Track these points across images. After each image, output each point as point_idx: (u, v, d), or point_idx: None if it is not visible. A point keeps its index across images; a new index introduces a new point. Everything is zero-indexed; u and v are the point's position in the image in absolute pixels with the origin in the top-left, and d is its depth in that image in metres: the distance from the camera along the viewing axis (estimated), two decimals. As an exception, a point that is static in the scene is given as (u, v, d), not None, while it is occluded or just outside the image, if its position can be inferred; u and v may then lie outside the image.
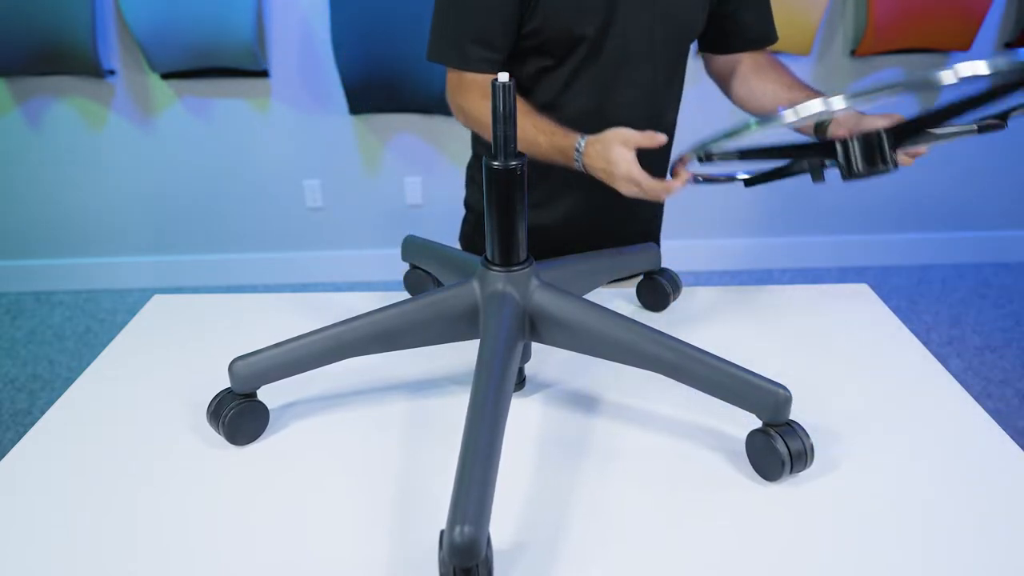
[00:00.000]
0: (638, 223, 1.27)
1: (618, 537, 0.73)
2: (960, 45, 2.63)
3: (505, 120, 0.80)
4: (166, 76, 2.69)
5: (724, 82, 1.24)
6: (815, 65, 2.77)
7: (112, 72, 2.69)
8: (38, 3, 2.43)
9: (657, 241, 1.34)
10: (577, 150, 0.99)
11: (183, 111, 2.78)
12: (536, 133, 1.03)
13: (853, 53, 2.71)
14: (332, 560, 0.71)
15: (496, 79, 0.79)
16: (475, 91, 1.08)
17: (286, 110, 2.78)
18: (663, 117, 1.19)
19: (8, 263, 3.03)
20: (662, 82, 1.15)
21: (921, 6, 2.52)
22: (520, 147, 1.07)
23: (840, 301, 1.17)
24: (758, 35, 1.20)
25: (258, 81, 2.74)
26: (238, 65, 2.61)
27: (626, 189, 0.96)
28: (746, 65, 1.20)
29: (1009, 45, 2.74)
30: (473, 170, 1.30)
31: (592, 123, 1.03)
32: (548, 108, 1.10)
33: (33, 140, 2.81)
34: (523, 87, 1.13)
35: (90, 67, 2.57)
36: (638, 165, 0.94)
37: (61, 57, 2.54)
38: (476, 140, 1.28)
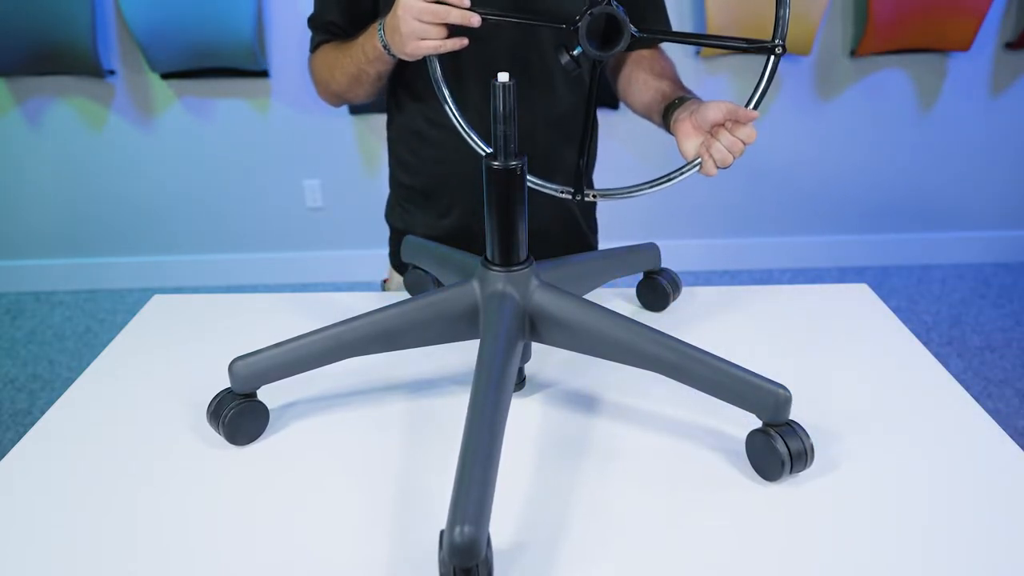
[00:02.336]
0: (561, 225, 1.25)
1: (618, 537, 0.73)
2: (960, 45, 2.64)
3: (505, 120, 0.80)
4: (166, 76, 2.70)
5: (612, 75, 1.23)
6: (815, 65, 2.77)
7: (112, 72, 2.70)
8: (38, 3, 2.43)
9: (595, 246, 1.34)
10: (379, 29, 1.01)
11: (183, 111, 2.78)
12: (349, 61, 1.09)
13: (853, 53, 2.71)
14: (332, 560, 0.71)
15: (496, 79, 0.79)
16: (316, 55, 1.20)
17: (286, 110, 2.79)
18: (554, 109, 1.15)
19: (8, 263, 3.03)
20: (556, 82, 1.13)
21: (921, 6, 2.52)
22: (350, 85, 1.14)
23: (840, 301, 1.17)
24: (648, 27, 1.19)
25: (258, 81, 2.74)
26: (238, 65, 2.61)
27: (407, 20, 0.92)
28: (631, 57, 1.19)
29: (1010, 45, 2.74)
30: (392, 142, 1.31)
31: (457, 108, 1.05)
32: (413, 94, 1.16)
33: (33, 140, 2.81)
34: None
35: (90, 67, 2.58)
36: None
37: (61, 57, 2.54)
38: (392, 155, 1.31)
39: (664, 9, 1.20)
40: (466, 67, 1.10)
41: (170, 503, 0.78)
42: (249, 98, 2.77)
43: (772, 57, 0.85)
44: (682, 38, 0.89)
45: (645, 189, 0.94)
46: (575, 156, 1.17)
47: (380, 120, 2.83)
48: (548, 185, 0.97)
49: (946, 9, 2.53)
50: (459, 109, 0.94)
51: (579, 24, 0.84)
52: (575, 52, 0.86)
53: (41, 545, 0.73)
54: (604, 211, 1.36)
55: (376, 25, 1.02)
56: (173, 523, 0.75)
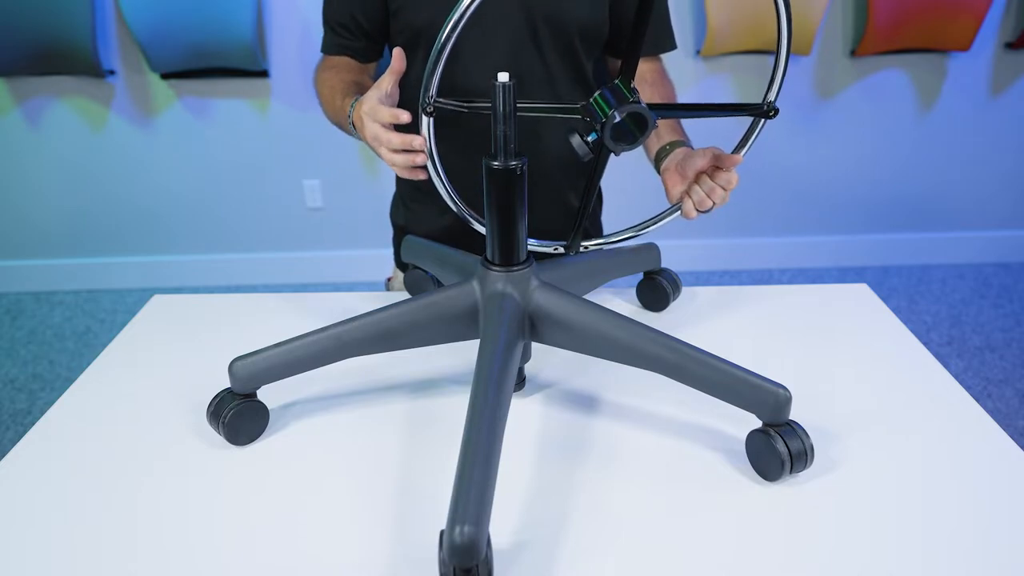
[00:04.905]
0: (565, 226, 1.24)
1: (618, 537, 0.73)
2: (960, 45, 2.64)
3: (505, 120, 0.80)
4: (166, 76, 2.70)
5: None
6: (815, 65, 2.77)
7: (112, 72, 2.70)
8: (38, 3, 2.43)
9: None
10: (349, 111, 1.01)
11: (183, 111, 2.78)
12: (333, 112, 1.10)
13: (853, 53, 2.71)
14: (332, 560, 0.71)
15: (496, 79, 0.79)
16: (321, 68, 1.17)
17: (286, 110, 2.78)
18: (548, 123, 1.14)
19: (8, 263, 3.03)
20: (558, 86, 1.12)
21: (921, 6, 2.52)
22: (337, 126, 1.12)
23: (840, 301, 1.17)
24: (652, 41, 1.18)
25: (258, 81, 2.74)
26: (238, 65, 2.61)
27: (368, 127, 0.91)
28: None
29: (1010, 45, 2.74)
30: (400, 185, 1.29)
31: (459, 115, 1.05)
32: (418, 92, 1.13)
33: (33, 140, 2.81)
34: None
35: (90, 67, 2.58)
36: (384, 106, 0.89)
37: (61, 57, 2.54)
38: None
39: (667, 15, 1.20)
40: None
41: (170, 503, 0.78)
42: (249, 98, 2.77)
43: (764, 120, 0.90)
44: (689, 110, 0.93)
45: (630, 235, 1.02)
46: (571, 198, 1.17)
47: (380, 120, 2.84)
48: (544, 243, 1.00)
49: (946, 9, 2.53)
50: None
51: (605, 123, 0.82)
52: (589, 139, 0.84)
53: (41, 545, 0.73)
54: (606, 212, 1.36)
55: (350, 106, 1.00)
56: (173, 523, 0.75)
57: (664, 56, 1.23)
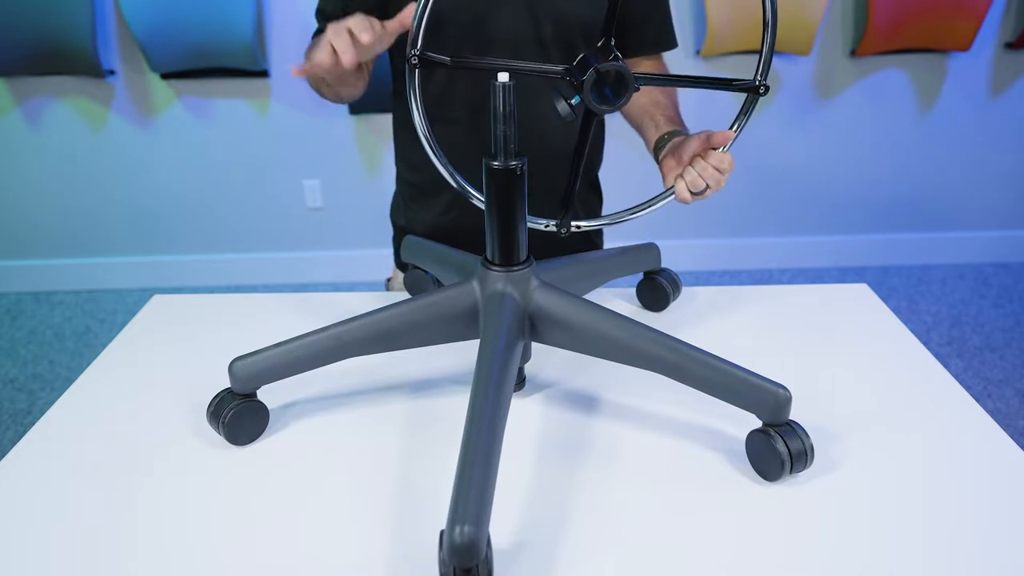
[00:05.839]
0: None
1: (618, 537, 0.73)
2: (960, 45, 2.64)
3: (505, 120, 0.80)
4: (166, 76, 2.70)
5: None
6: (815, 65, 2.77)
7: (112, 72, 2.70)
8: (38, 3, 2.43)
9: (599, 245, 1.34)
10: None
11: (183, 111, 2.78)
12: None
13: (853, 53, 2.71)
14: (332, 560, 0.71)
15: (496, 79, 0.79)
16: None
17: (286, 110, 2.79)
18: (540, 116, 1.12)
19: (8, 263, 3.03)
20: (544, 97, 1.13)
21: (921, 6, 2.52)
22: (324, 89, 1.10)
23: (840, 301, 1.17)
24: (653, 39, 1.19)
25: (258, 81, 2.74)
26: (238, 65, 2.61)
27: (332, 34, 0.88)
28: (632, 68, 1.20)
29: (1009, 45, 2.74)
30: (397, 139, 1.29)
31: (462, 111, 1.10)
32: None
33: (33, 140, 2.81)
34: (397, 69, 1.17)
35: (90, 67, 2.58)
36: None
37: (61, 57, 2.54)
38: (398, 154, 1.28)
39: (668, 14, 1.20)
40: (457, 97, 1.12)
41: (170, 503, 0.78)
42: (249, 98, 2.77)
43: (756, 98, 0.90)
44: (676, 80, 0.91)
45: (625, 217, 1.02)
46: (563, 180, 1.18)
47: (380, 120, 2.84)
48: (536, 220, 0.98)
49: (946, 9, 2.53)
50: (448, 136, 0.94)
51: (584, 79, 0.82)
52: (573, 101, 0.85)
53: (41, 545, 0.73)
54: (607, 207, 1.36)
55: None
56: (173, 523, 0.75)
57: (665, 56, 1.23)
